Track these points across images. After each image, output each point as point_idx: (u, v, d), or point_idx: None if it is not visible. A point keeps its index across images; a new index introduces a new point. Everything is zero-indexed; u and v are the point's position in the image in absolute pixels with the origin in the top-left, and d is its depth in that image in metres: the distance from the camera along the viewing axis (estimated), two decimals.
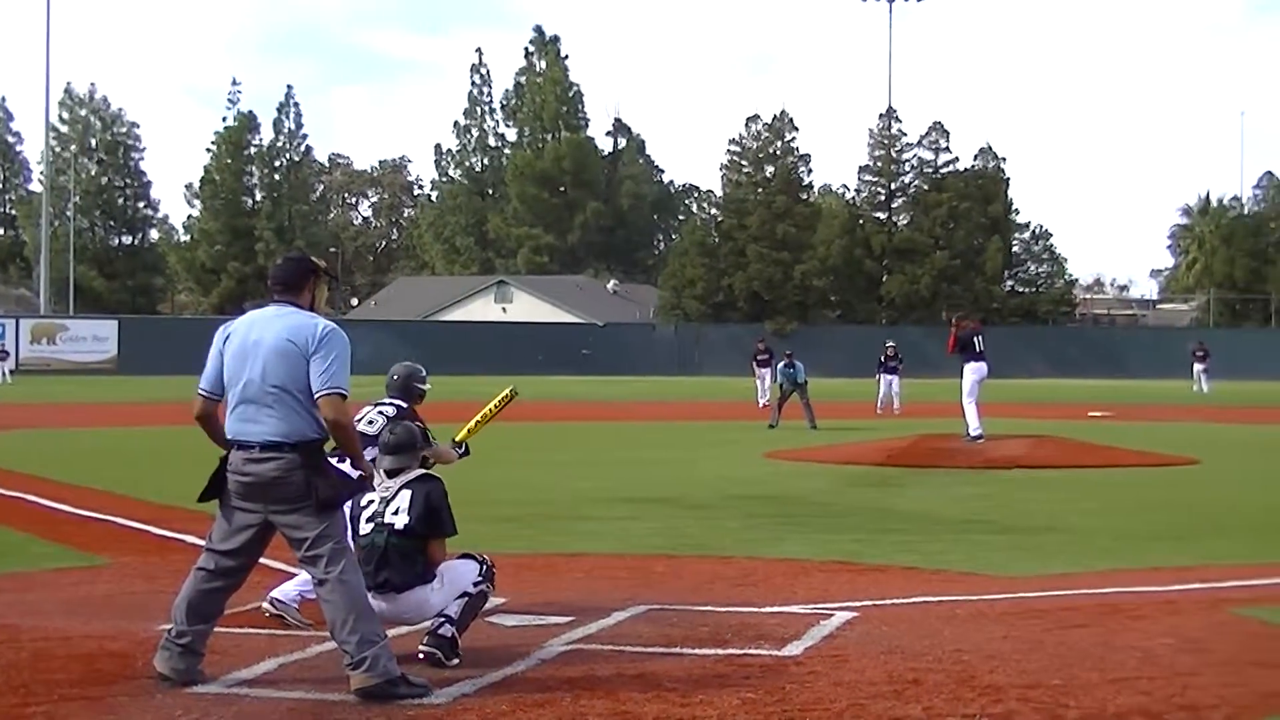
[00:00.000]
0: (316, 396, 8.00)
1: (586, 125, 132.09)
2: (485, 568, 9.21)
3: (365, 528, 8.98)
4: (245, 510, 8.14)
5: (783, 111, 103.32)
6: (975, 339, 28.45)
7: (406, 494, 9.01)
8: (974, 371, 27.97)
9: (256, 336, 8.14)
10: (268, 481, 7.99)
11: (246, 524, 8.15)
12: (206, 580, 8.24)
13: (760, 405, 41.80)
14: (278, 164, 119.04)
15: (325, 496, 8.01)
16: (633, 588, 11.58)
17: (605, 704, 7.64)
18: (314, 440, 8.05)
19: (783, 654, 8.97)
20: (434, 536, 8.95)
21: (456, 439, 10.92)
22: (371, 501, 9.04)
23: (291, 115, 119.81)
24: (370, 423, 10.61)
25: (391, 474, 9.17)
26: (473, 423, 11.27)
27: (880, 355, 44.78)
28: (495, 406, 11.37)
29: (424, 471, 9.27)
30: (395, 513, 8.94)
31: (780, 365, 37.85)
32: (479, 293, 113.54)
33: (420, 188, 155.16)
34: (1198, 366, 63.61)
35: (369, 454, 9.35)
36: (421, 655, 8.59)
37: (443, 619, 8.80)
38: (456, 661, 8.65)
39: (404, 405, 10.85)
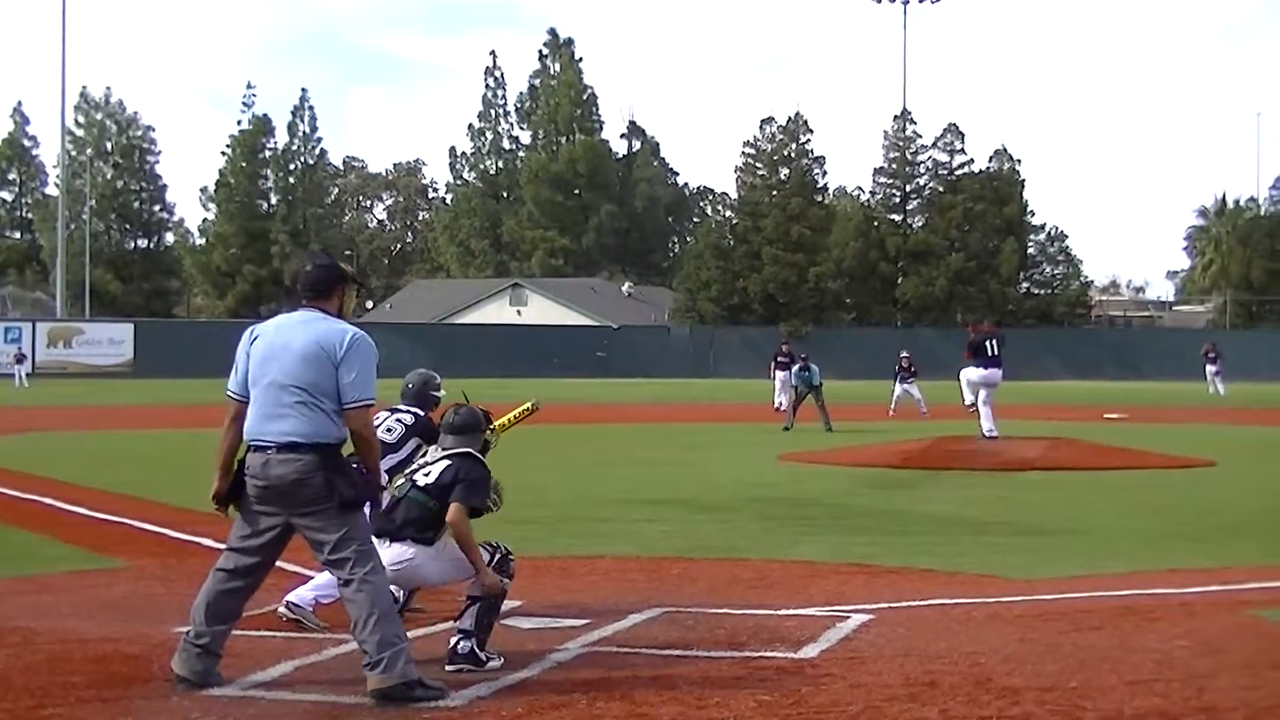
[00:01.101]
0: (345, 406, 8.03)
1: (601, 128, 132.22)
2: (498, 556, 9.14)
3: (398, 480, 9.27)
4: (266, 513, 8.14)
5: (797, 114, 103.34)
6: (989, 343, 28.38)
7: (445, 463, 9.16)
8: (980, 377, 27.93)
9: (284, 340, 8.15)
10: (288, 485, 7.98)
11: (268, 526, 8.16)
12: (226, 581, 8.24)
13: (776, 408, 41.66)
14: (292, 167, 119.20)
15: (347, 497, 8.00)
16: (648, 590, 11.58)
17: (621, 706, 7.63)
18: (333, 443, 8.06)
19: (799, 656, 8.96)
20: (453, 500, 8.90)
21: None
22: (415, 469, 9.29)
23: (306, 118, 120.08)
24: (389, 430, 10.64)
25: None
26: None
27: (895, 365, 44.71)
28: (515, 417, 11.07)
29: (470, 451, 9.29)
30: (427, 475, 9.12)
31: (795, 368, 37.88)
32: (493, 296, 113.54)
33: (435, 191, 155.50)
34: (1210, 369, 63.44)
35: (385, 462, 9.42)
36: (451, 670, 8.55)
37: (459, 633, 8.77)
38: (497, 663, 8.67)
39: (420, 413, 10.87)
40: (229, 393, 8.24)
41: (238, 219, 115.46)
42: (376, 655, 7.80)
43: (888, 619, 10.30)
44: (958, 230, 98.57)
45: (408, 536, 8.97)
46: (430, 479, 9.08)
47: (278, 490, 8.01)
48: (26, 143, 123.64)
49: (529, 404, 11.31)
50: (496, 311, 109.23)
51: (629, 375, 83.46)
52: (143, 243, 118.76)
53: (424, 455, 9.86)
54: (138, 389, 62.45)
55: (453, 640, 8.75)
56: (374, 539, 8.40)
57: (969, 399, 28.23)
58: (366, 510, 8.30)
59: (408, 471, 9.38)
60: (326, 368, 8.04)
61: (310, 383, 8.03)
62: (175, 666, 8.11)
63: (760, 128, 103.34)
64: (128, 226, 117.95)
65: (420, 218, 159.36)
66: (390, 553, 8.78)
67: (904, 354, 44.75)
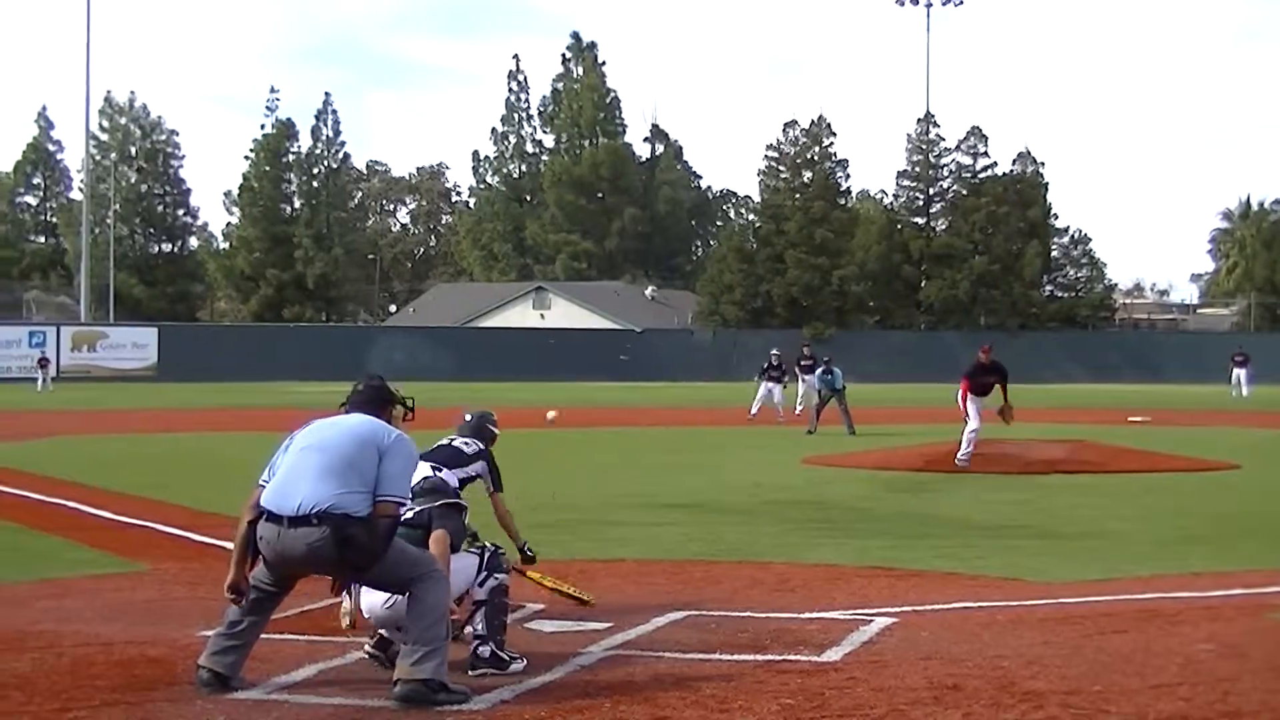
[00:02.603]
0: (379, 498, 8.07)
1: (624, 131, 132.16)
2: (487, 555, 9.22)
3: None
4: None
5: (820, 116, 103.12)
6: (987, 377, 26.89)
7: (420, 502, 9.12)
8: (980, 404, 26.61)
9: (331, 430, 8.36)
10: (300, 556, 8.04)
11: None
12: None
13: (795, 411, 41.51)
14: (316, 171, 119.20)
15: (357, 561, 8.06)
16: (671, 593, 11.59)
17: (645, 709, 7.64)
18: (356, 518, 8.00)
19: (822, 660, 8.96)
20: (435, 529, 8.89)
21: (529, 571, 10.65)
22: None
23: (329, 122, 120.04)
24: (466, 444, 10.95)
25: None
26: (544, 579, 10.76)
27: (764, 363, 42.91)
28: (560, 589, 10.68)
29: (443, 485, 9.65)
30: (409, 511, 8.82)
31: (819, 372, 37.88)
32: (517, 299, 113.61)
33: (458, 194, 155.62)
34: (1237, 371, 63.24)
35: (457, 472, 10.31)
36: (474, 675, 8.61)
37: (475, 639, 8.83)
38: (520, 665, 8.74)
39: (481, 447, 10.96)
40: (261, 482, 8.30)
41: (261, 223, 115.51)
42: (413, 650, 7.86)
43: (910, 622, 10.29)
44: (981, 233, 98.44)
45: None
46: (411, 512, 8.89)
47: (293, 559, 8.13)
48: (51, 147, 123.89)
49: (586, 596, 10.83)
50: (520, 315, 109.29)
51: (652, 378, 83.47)
52: (166, 247, 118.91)
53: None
54: (161, 393, 62.63)
55: (472, 646, 8.79)
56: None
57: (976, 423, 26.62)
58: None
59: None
60: (372, 452, 8.16)
61: (353, 459, 8.13)
62: (203, 661, 8.16)
63: (783, 131, 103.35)
64: (151, 231, 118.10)
65: (444, 221, 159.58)
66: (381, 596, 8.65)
67: (775, 352, 43.60)
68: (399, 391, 8.88)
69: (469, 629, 8.93)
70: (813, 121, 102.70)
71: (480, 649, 8.77)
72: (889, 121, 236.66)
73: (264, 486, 8.22)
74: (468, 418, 11.25)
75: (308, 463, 8.12)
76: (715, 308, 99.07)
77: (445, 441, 10.87)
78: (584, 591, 10.97)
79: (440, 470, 10.17)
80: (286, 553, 8.01)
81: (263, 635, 8.47)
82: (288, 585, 8.41)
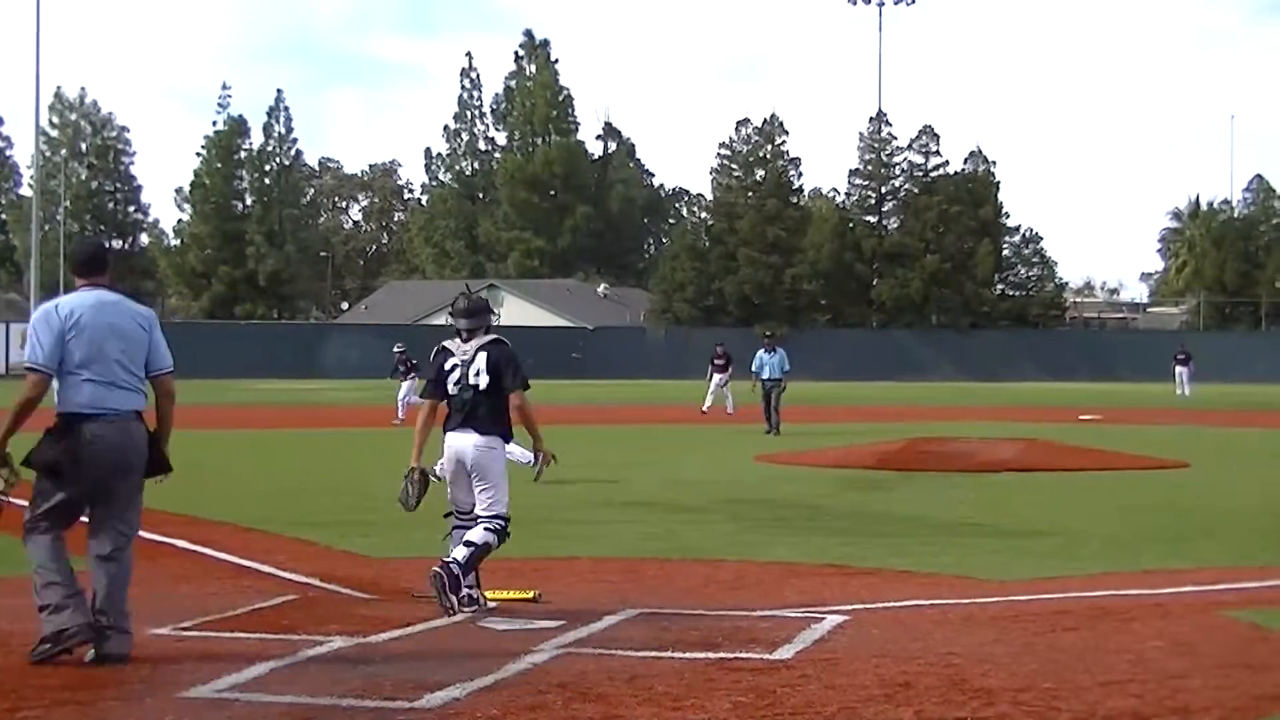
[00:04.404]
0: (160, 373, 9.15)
1: (577, 129, 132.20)
2: (506, 524, 10.77)
3: (453, 389, 10.79)
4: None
5: (773, 115, 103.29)
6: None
7: (483, 356, 10.82)
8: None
9: (110, 319, 8.98)
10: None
11: None
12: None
13: (703, 411, 41.20)
14: (268, 168, 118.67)
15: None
16: (625, 591, 11.58)
17: (597, 708, 7.62)
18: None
19: (774, 657, 8.96)
20: (509, 390, 10.76)
21: None
22: (455, 365, 10.84)
23: (282, 119, 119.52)
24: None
25: (468, 336, 10.99)
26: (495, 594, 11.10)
27: (711, 358, 42.84)
28: (502, 597, 11.06)
29: (495, 336, 11.05)
30: (477, 374, 10.75)
31: (760, 351, 36.09)
32: None
33: (410, 192, 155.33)
34: (1180, 369, 63.62)
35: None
36: (431, 575, 10.27)
37: (453, 560, 10.34)
38: (468, 605, 10.29)
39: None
40: (38, 366, 9.07)
41: (213, 220, 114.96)
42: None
43: (863, 620, 10.32)
44: (933, 232, 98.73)
45: (498, 430, 10.77)
46: (484, 380, 10.71)
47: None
48: (0, 143, 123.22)
49: (531, 594, 11.26)
50: None
51: (605, 376, 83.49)
52: (117, 244, 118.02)
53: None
54: None
55: (447, 560, 10.34)
56: (464, 429, 10.62)
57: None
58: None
59: (458, 379, 10.80)
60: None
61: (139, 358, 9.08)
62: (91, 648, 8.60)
63: (736, 129, 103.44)
64: (102, 227, 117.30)
65: (396, 219, 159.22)
66: (482, 440, 10.65)
67: (719, 346, 43.54)
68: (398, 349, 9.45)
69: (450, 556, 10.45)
70: (765, 120, 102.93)
71: (452, 565, 10.30)
72: (841, 120, 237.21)
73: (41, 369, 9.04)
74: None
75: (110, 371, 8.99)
76: (668, 306, 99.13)
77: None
78: (528, 590, 11.07)
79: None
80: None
81: (213, 633, 8.42)
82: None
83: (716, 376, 41.63)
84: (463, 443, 10.73)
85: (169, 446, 9.44)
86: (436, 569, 10.34)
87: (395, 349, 42.02)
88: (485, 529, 10.64)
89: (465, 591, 10.40)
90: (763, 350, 36.09)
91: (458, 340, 11.08)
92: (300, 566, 13.03)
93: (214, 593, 11.62)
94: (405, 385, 39.98)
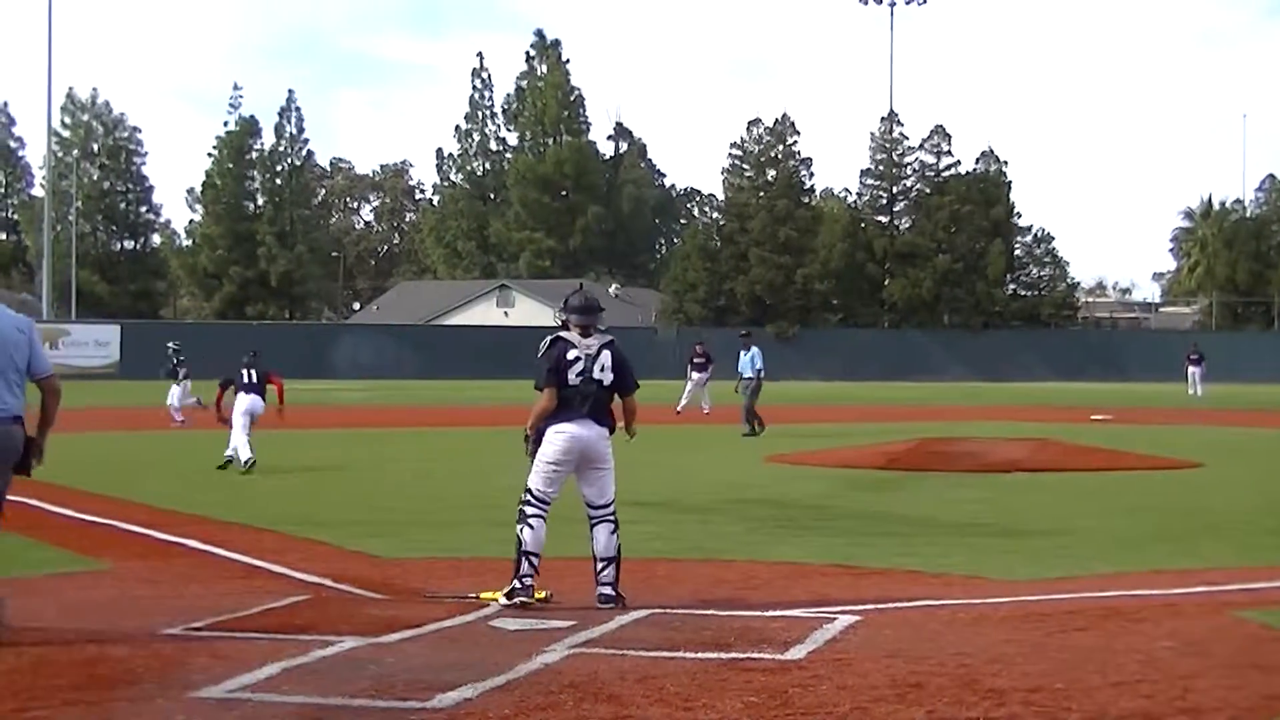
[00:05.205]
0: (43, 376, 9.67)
1: (588, 129, 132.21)
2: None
3: (575, 379, 11.21)
4: None
5: (784, 115, 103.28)
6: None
7: (607, 354, 11.33)
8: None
9: None
10: None
11: None
12: None
13: (677, 411, 41.10)
14: (279, 169, 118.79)
15: None
16: (635, 591, 11.57)
17: (608, 708, 7.63)
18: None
19: (785, 658, 8.96)
20: (629, 391, 11.60)
21: None
22: (578, 359, 11.23)
23: (293, 120, 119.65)
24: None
25: (585, 331, 11.40)
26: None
27: (689, 356, 43.01)
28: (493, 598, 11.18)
29: (611, 336, 11.53)
30: (602, 369, 11.28)
31: (739, 351, 36.17)
32: (481, 297, 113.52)
33: (422, 192, 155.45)
34: (1192, 369, 63.49)
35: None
36: (601, 600, 11.05)
37: (610, 584, 11.21)
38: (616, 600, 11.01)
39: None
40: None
41: (224, 220, 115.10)
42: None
43: (874, 620, 10.31)
44: (944, 232, 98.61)
45: (608, 423, 11.44)
46: (609, 377, 11.28)
47: None
48: (12, 144, 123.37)
49: (542, 594, 11.36)
50: (483, 313, 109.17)
51: None
52: (129, 244, 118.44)
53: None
54: (124, 391, 62.27)
55: (604, 591, 11.13)
56: (587, 421, 11.24)
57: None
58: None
59: (581, 370, 11.21)
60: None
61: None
62: None
63: (747, 129, 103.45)
64: (114, 228, 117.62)
65: (407, 219, 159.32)
66: (597, 430, 11.33)
67: (699, 344, 43.53)
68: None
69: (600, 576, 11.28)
70: (777, 120, 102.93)
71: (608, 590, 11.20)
72: (853, 120, 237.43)
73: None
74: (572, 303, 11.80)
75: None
76: (679, 306, 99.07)
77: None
78: (540, 590, 11.17)
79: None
80: None
81: (224, 633, 8.43)
82: None
83: (695, 375, 41.70)
84: (587, 433, 11.33)
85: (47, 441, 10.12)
86: (607, 596, 11.12)
87: (169, 345, 39.55)
88: (611, 533, 11.53)
89: (605, 591, 11.18)
90: (741, 349, 36.28)
91: (574, 333, 11.44)
92: (311, 567, 13.05)
93: (225, 592, 11.62)
94: (176, 389, 38.19)
